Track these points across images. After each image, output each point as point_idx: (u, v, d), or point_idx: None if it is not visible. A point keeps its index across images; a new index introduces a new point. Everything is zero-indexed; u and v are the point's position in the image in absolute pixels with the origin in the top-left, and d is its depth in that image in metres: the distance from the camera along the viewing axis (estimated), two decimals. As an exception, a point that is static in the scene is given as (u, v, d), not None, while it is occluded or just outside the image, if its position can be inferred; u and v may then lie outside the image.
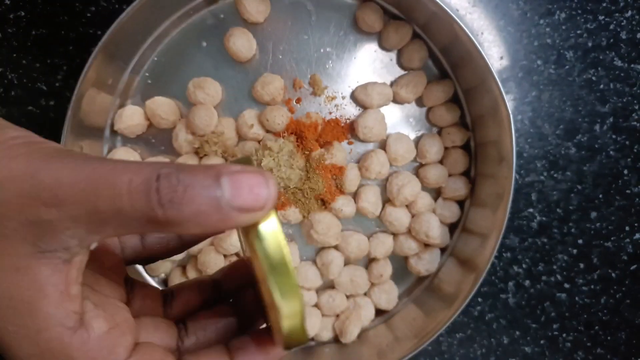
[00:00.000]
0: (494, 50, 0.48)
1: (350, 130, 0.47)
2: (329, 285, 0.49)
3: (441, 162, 0.48)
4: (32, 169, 0.16)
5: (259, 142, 0.46)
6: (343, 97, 0.47)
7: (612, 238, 0.50)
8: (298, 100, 0.47)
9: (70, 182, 0.16)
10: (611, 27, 0.48)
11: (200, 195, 0.15)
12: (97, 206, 0.15)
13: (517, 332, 0.51)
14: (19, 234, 0.16)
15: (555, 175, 0.49)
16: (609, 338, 0.51)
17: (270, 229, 0.17)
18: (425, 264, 0.48)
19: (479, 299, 0.51)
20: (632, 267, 0.50)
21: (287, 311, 0.18)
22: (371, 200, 0.46)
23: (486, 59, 0.40)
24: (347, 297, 0.48)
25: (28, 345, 0.16)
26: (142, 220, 0.16)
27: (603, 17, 0.48)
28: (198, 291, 0.25)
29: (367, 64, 0.47)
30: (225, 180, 0.16)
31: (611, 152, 0.49)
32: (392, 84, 0.47)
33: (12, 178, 0.16)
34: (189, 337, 0.23)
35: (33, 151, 0.17)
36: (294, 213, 0.45)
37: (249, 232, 0.17)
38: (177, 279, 0.47)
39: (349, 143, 0.48)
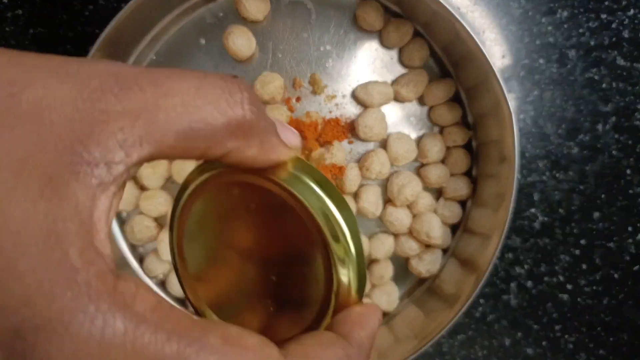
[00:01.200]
0: (495, 49, 0.48)
1: (350, 129, 0.47)
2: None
3: (442, 161, 0.47)
4: (81, 60, 0.14)
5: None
6: (343, 96, 0.47)
7: (614, 238, 0.50)
8: (298, 100, 0.47)
9: (133, 71, 0.14)
10: (614, 25, 0.48)
11: (267, 117, 0.17)
12: (163, 103, 0.14)
13: (519, 333, 0.51)
14: (57, 135, 0.12)
15: (557, 175, 0.49)
16: (611, 339, 0.51)
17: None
18: (426, 264, 0.47)
19: (481, 300, 0.50)
20: (635, 268, 0.50)
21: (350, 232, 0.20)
22: (371, 200, 0.46)
23: (488, 57, 0.39)
24: (348, 298, 0.48)
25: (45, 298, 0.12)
26: (217, 121, 0.15)
27: (605, 15, 0.47)
28: None
29: (368, 63, 0.47)
30: (276, 122, 0.19)
31: (613, 152, 0.49)
32: (392, 82, 0.47)
33: (55, 66, 0.13)
34: None
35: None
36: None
37: (288, 175, 0.19)
38: (176, 281, 0.47)
39: (349, 142, 0.47)
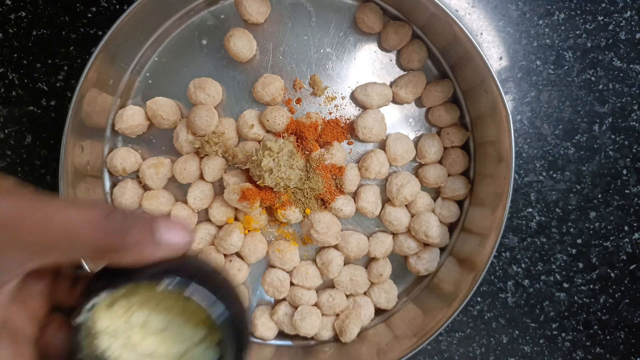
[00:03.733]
0: (493, 51, 0.48)
1: (350, 130, 0.48)
2: (329, 285, 0.49)
3: (440, 162, 0.48)
4: None
5: (259, 142, 0.47)
6: (343, 98, 0.48)
7: (611, 238, 0.50)
8: (298, 101, 0.47)
9: (23, 209, 0.19)
10: (610, 27, 0.48)
11: (141, 231, 0.20)
12: (45, 232, 0.19)
13: (516, 332, 0.51)
14: None
15: (554, 175, 0.50)
16: (608, 337, 0.51)
17: None
18: (424, 263, 0.48)
19: (478, 298, 0.51)
20: (631, 267, 0.51)
21: None
22: (371, 200, 0.47)
23: (485, 59, 0.40)
24: (347, 296, 0.49)
25: None
26: (88, 246, 0.19)
27: (602, 17, 0.48)
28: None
29: (367, 65, 0.47)
30: (161, 224, 0.21)
31: (610, 152, 0.49)
32: (391, 84, 0.47)
33: None
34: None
35: None
36: (294, 213, 0.45)
37: None
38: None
39: (349, 143, 0.48)
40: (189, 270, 0.22)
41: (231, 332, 0.22)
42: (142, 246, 0.20)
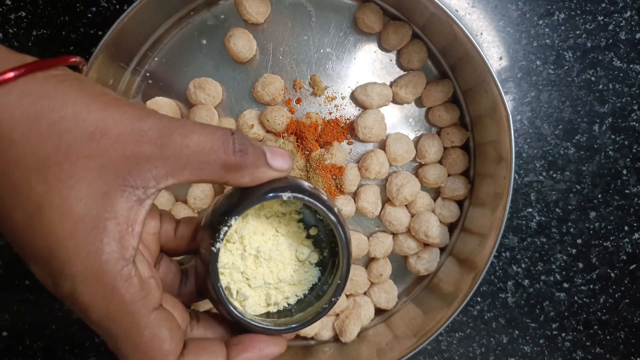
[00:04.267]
0: (493, 51, 0.48)
1: (350, 130, 0.48)
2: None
3: (440, 162, 0.48)
4: (138, 114, 0.21)
5: (259, 142, 0.47)
6: (343, 98, 0.48)
7: (611, 238, 0.50)
8: (298, 101, 0.47)
9: (166, 127, 0.21)
10: (610, 27, 0.48)
11: (256, 152, 0.24)
12: (182, 150, 0.21)
13: (516, 332, 0.51)
14: (115, 166, 0.20)
15: (554, 175, 0.50)
16: (608, 337, 0.51)
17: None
18: (424, 263, 0.48)
19: (478, 298, 0.51)
20: (631, 267, 0.51)
21: None
22: (371, 200, 0.47)
23: (485, 59, 0.40)
24: (347, 296, 0.49)
25: (82, 258, 0.20)
26: (216, 163, 0.22)
27: (602, 17, 0.48)
28: None
29: (367, 65, 0.47)
30: (269, 150, 0.24)
31: (610, 152, 0.49)
32: (391, 84, 0.47)
33: (121, 120, 0.20)
34: (198, 329, 0.26)
35: (134, 104, 0.22)
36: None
37: None
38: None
39: (349, 143, 0.48)
40: (294, 188, 0.25)
41: (342, 237, 0.26)
42: (257, 166, 0.24)
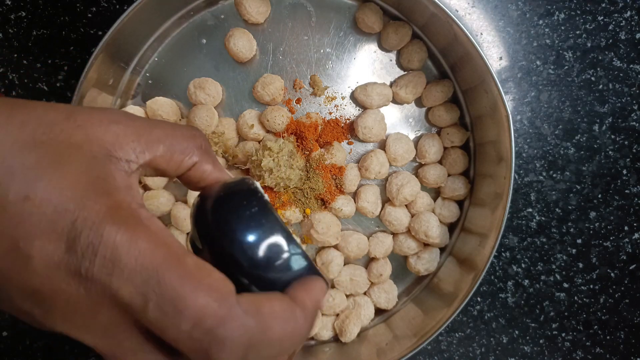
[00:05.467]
0: (493, 51, 0.48)
1: (350, 130, 0.48)
2: (329, 285, 0.49)
3: (440, 162, 0.48)
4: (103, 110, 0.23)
5: (259, 142, 0.47)
6: (343, 98, 0.48)
7: (611, 238, 0.50)
8: (298, 101, 0.47)
9: (135, 116, 0.23)
10: (610, 27, 0.48)
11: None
12: (153, 130, 0.23)
13: (516, 332, 0.51)
14: (101, 140, 0.21)
15: (554, 175, 0.50)
16: (608, 337, 0.51)
17: None
18: (424, 263, 0.48)
19: (478, 298, 0.51)
20: (631, 267, 0.51)
21: None
22: (371, 200, 0.47)
23: (485, 59, 0.40)
24: (347, 296, 0.49)
25: (102, 195, 0.20)
26: (188, 142, 0.24)
27: (602, 17, 0.48)
28: None
29: (367, 65, 0.47)
30: None
31: (610, 152, 0.49)
32: (391, 84, 0.47)
33: (89, 111, 0.22)
34: None
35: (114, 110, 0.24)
36: (294, 213, 0.45)
37: None
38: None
39: (349, 143, 0.48)
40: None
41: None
42: (218, 163, 0.26)
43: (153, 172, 0.24)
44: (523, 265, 0.50)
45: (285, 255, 0.23)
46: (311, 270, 0.24)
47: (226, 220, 0.23)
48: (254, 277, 0.23)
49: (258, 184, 0.26)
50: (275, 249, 0.23)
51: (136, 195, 0.21)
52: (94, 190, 0.19)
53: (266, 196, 0.25)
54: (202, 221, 0.24)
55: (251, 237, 0.23)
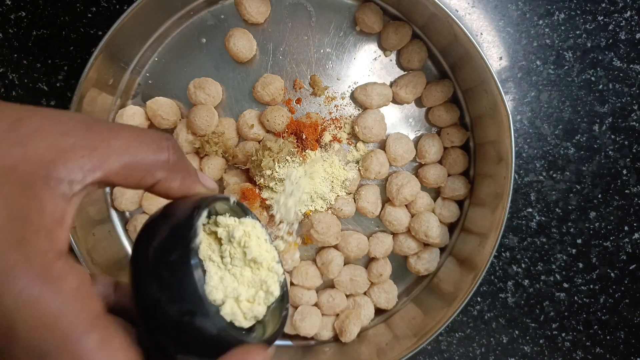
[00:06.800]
0: (493, 51, 0.48)
1: (350, 130, 0.48)
2: (329, 285, 0.49)
3: (440, 162, 0.48)
4: (59, 112, 0.20)
5: (259, 142, 0.47)
6: (343, 98, 0.48)
7: (611, 238, 0.50)
8: (298, 101, 0.47)
9: (94, 122, 0.20)
10: (610, 27, 0.48)
11: (189, 164, 0.24)
12: (111, 141, 0.20)
13: (516, 332, 0.51)
14: (41, 158, 0.18)
15: (554, 175, 0.50)
16: (608, 337, 0.51)
17: None
18: (424, 263, 0.48)
19: (478, 298, 0.51)
20: (631, 267, 0.51)
21: None
22: (371, 200, 0.47)
23: (485, 59, 0.40)
24: (347, 296, 0.49)
25: (13, 244, 0.17)
26: (148, 158, 0.21)
27: (602, 17, 0.48)
28: None
29: (367, 65, 0.47)
30: (198, 172, 0.25)
31: (610, 152, 0.49)
32: (391, 84, 0.47)
33: (42, 112, 0.19)
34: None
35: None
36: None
37: None
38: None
39: (349, 143, 0.48)
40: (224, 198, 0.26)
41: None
42: (189, 174, 0.23)
43: (109, 185, 0.21)
44: (523, 265, 0.50)
45: (204, 319, 0.20)
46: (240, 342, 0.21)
47: (145, 261, 0.21)
48: (175, 339, 0.20)
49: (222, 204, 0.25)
50: (187, 308, 0.20)
51: (60, 238, 0.18)
52: (6, 235, 0.17)
53: (227, 218, 0.25)
54: (133, 248, 0.22)
55: (161, 292, 0.20)
